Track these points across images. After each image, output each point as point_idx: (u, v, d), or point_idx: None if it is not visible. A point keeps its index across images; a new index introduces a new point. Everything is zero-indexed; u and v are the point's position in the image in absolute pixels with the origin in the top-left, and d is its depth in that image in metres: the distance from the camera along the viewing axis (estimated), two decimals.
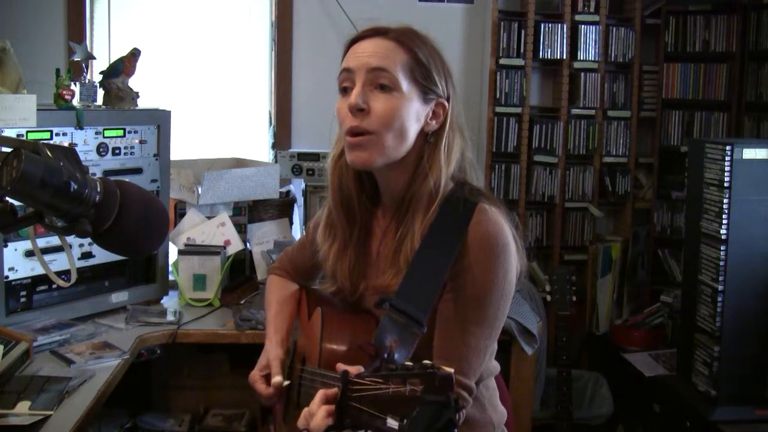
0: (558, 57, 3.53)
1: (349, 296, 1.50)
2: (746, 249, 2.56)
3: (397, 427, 0.93)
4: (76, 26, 3.43)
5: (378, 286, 1.40)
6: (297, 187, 3.35)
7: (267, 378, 1.51)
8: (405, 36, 1.37)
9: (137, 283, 2.50)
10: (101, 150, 2.32)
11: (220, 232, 2.65)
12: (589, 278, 3.66)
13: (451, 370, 0.95)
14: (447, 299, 1.33)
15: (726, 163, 2.52)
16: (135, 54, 2.51)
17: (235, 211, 2.73)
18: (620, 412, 3.44)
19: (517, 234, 1.37)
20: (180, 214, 2.67)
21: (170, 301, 2.57)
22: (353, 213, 1.46)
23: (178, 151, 2.66)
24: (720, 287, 2.58)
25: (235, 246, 2.65)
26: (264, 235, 2.82)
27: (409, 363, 0.99)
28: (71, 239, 1.93)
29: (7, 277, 2.13)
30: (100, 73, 2.49)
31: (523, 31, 3.52)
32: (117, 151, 2.37)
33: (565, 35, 3.52)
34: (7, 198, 1.00)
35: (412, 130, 1.35)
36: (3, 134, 1.75)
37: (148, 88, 2.66)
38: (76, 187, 0.98)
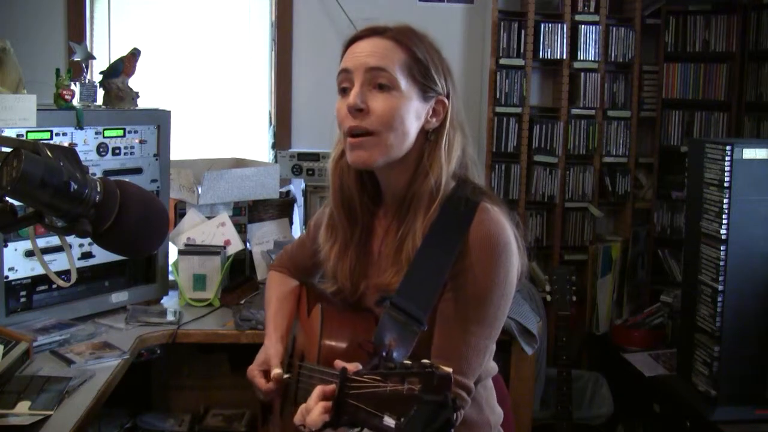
0: (558, 57, 3.53)
1: (350, 296, 1.50)
2: (746, 249, 2.56)
3: (393, 426, 0.93)
4: (76, 26, 3.44)
5: (379, 284, 1.40)
6: (297, 187, 3.35)
7: (266, 374, 1.51)
8: (403, 35, 1.36)
9: (137, 283, 2.50)
10: (101, 150, 2.32)
11: (220, 232, 2.65)
12: (589, 278, 3.66)
13: (450, 370, 0.95)
14: (447, 298, 1.33)
15: (726, 163, 2.52)
16: (135, 54, 2.51)
17: (235, 211, 2.73)
18: (620, 412, 3.44)
19: (519, 234, 1.37)
20: (180, 214, 2.67)
21: (170, 301, 2.56)
22: (354, 213, 1.46)
23: (178, 151, 2.66)
24: (720, 287, 2.58)
25: (235, 246, 2.65)
26: (264, 235, 2.82)
27: (408, 362, 0.99)
28: (71, 239, 1.93)
29: (7, 277, 2.13)
30: (100, 73, 2.49)
31: (523, 31, 3.52)
32: (117, 151, 2.37)
33: (565, 35, 3.52)
34: (7, 198, 1.00)
35: (413, 128, 1.35)
36: (3, 134, 1.75)
37: (148, 88, 2.66)
38: (76, 187, 0.98)
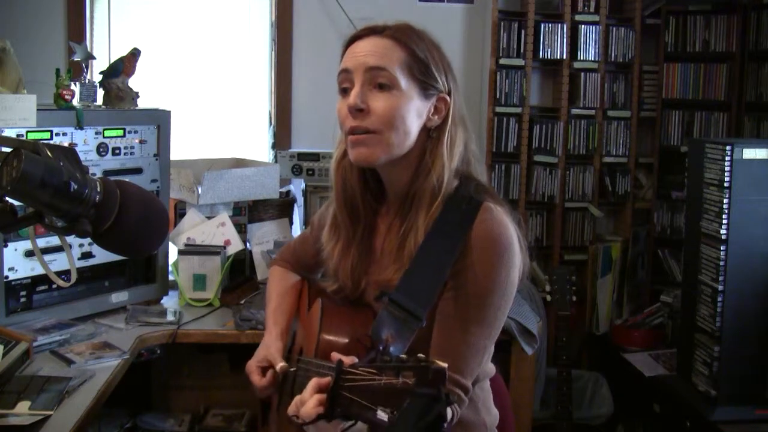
0: (558, 57, 3.53)
1: (351, 294, 1.50)
2: (746, 249, 2.56)
3: (386, 419, 0.93)
4: (76, 26, 3.44)
5: (380, 281, 1.40)
6: (297, 187, 3.35)
7: (263, 370, 1.52)
8: (402, 33, 1.36)
9: (137, 283, 2.50)
10: (101, 150, 2.32)
11: (220, 232, 2.65)
12: (589, 278, 3.66)
13: (445, 365, 0.95)
14: (448, 297, 1.33)
15: (726, 163, 2.52)
16: (135, 54, 2.51)
17: (235, 211, 2.73)
18: (620, 412, 3.44)
19: (521, 233, 1.37)
20: (180, 214, 2.67)
21: (170, 301, 2.56)
22: (357, 212, 1.46)
23: (178, 151, 2.66)
24: (720, 287, 2.58)
25: (235, 246, 2.65)
26: (264, 235, 2.82)
27: (404, 356, 0.98)
28: (71, 239, 1.93)
29: (7, 277, 2.13)
30: (100, 73, 2.49)
31: (523, 31, 3.52)
32: (117, 151, 2.37)
33: (565, 35, 3.52)
34: (7, 198, 1.00)
35: (414, 127, 1.35)
36: (3, 134, 1.75)
37: (148, 88, 2.66)
38: (76, 187, 0.98)
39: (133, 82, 2.51)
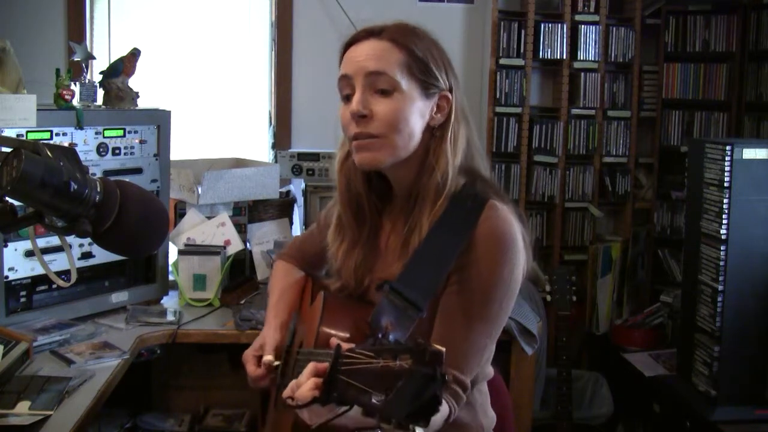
0: (558, 57, 3.53)
1: (354, 292, 1.50)
2: (746, 249, 2.56)
3: (380, 404, 0.92)
4: (76, 26, 3.44)
5: (383, 278, 1.39)
6: (297, 187, 3.35)
7: (259, 359, 1.52)
8: (400, 33, 1.36)
9: (137, 283, 2.50)
10: (101, 150, 2.32)
11: (220, 232, 2.65)
12: (589, 278, 3.66)
13: (443, 348, 0.94)
14: (450, 292, 1.33)
15: (726, 163, 2.52)
16: (135, 54, 2.51)
17: (235, 211, 2.73)
18: (620, 412, 3.44)
19: (526, 232, 1.37)
20: (180, 214, 2.67)
21: (170, 301, 2.57)
22: (363, 213, 1.46)
23: (178, 151, 2.66)
24: (720, 287, 2.58)
25: (235, 246, 2.65)
26: (264, 235, 2.82)
27: (402, 340, 0.98)
28: (71, 239, 1.93)
29: (7, 277, 2.13)
30: (100, 73, 2.49)
31: (523, 31, 3.52)
32: (117, 151, 2.37)
33: (565, 35, 3.52)
34: (7, 198, 1.00)
35: (418, 127, 1.35)
36: (3, 134, 1.75)
37: (148, 88, 2.66)
38: (76, 187, 0.98)
39: (133, 82, 2.52)
